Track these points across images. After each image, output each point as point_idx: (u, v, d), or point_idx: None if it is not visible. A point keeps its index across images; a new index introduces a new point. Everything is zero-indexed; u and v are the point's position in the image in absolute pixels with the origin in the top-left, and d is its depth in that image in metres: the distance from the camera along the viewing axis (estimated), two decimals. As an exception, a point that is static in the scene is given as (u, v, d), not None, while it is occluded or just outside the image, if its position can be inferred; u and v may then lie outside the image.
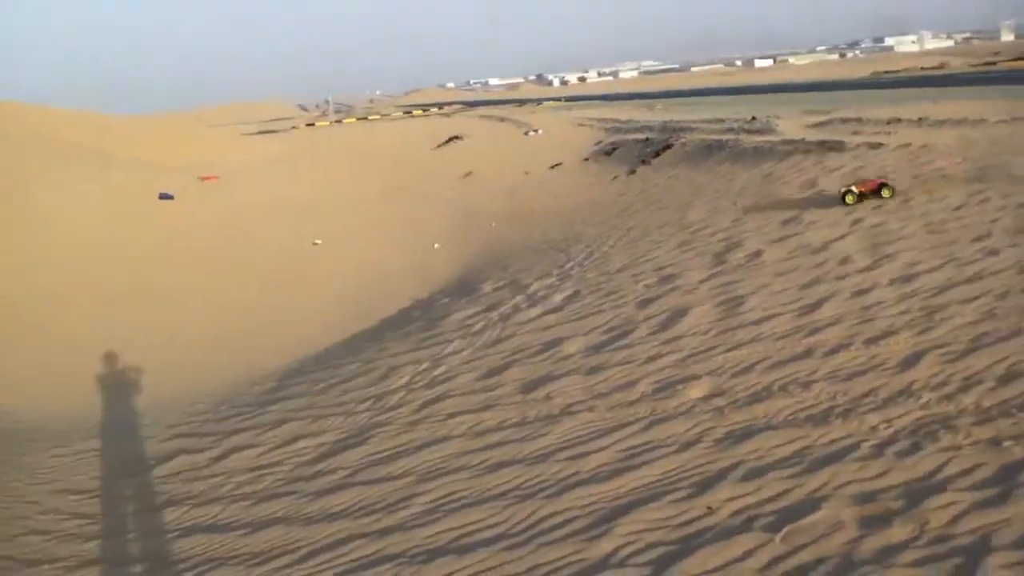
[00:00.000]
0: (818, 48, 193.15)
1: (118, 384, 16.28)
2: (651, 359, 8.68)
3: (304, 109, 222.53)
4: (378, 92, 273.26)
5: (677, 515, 5.42)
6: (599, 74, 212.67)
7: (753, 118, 34.22)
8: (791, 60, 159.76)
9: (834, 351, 7.90)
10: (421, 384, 10.04)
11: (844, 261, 11.36)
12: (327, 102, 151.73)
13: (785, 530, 4.96)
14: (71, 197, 39.86)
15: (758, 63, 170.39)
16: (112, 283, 27.69)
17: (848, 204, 15.51)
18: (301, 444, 8.91)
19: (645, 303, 11.15)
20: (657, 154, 32.81)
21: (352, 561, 5.88)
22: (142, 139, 72.79)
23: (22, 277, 27.87)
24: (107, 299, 25.98)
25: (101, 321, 23.05)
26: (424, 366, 10.86)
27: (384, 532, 6.15)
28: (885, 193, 15.59)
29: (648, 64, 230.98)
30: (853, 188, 15.89)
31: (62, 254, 31.31)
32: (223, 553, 6.55)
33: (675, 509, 5.49)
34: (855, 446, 5.87)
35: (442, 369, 10.39)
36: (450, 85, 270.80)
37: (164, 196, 39.75)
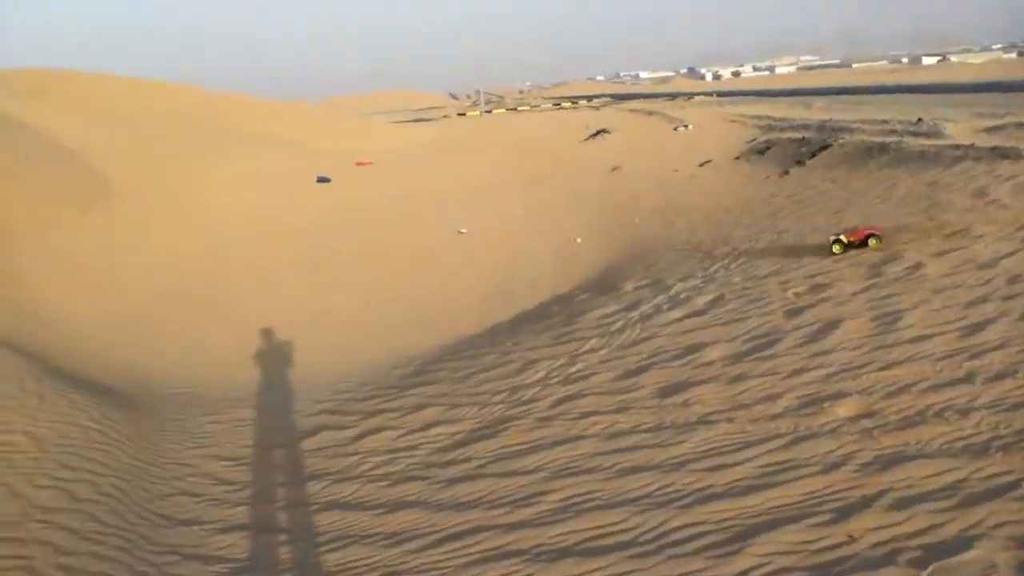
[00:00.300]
0: (994, 46, 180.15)
1: (272, 359, 17.09)
2: (797, 372, 8.35)
3: (455, 98, 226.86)
4: (528, 84, 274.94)
5: (815, 540, 5.19)
6: (754, 69, 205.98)
7: (919, 120, 32.26)
8: (957, 59, 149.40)
9: (998, 377, 7.35)
10: (557, 380, 10.05)
11: (1014, 280, 10.55)
12: (478, 92, 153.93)
13: (932, 567, 4.66)
14: (234, 178, 42.15)
15: (925, 60, 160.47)
16: (270, 263, 29.11)
17: (835, 254, 14.72)
18: (437, 431, 9.09)
19: (793, 312, 10.74)
20: (813, 155, 31.53)
21: (481, 552, 5.95)
22: (300, 124, 76.02)
23: (187, 255, 29.71)
24: (265, 278, 27.36)
25: (259, 299, 24.30)
26: (560, 362, 10.86)
27: (514, 526, 6.19)
28: (872, 243, 14.73)
29: (807, 59, 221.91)
30: (842, 237, 15.10)
31: (223, 232, 33.14)
32: (358, 531, 6.77)
33: (814, 534, 5.26)
34: (1016, 484, 5.45)
35: (578, 367, 10.35)
36: (599, 78, 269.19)
37: (321, 179, 41.51)
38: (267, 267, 28.81)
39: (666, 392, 8.58)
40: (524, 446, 7.91)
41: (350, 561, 6.22)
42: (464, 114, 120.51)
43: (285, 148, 50.88)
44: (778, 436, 6.84)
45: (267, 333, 18.98)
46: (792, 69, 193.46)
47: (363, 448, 9.05)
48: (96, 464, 8.21)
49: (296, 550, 6.57)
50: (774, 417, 7.29)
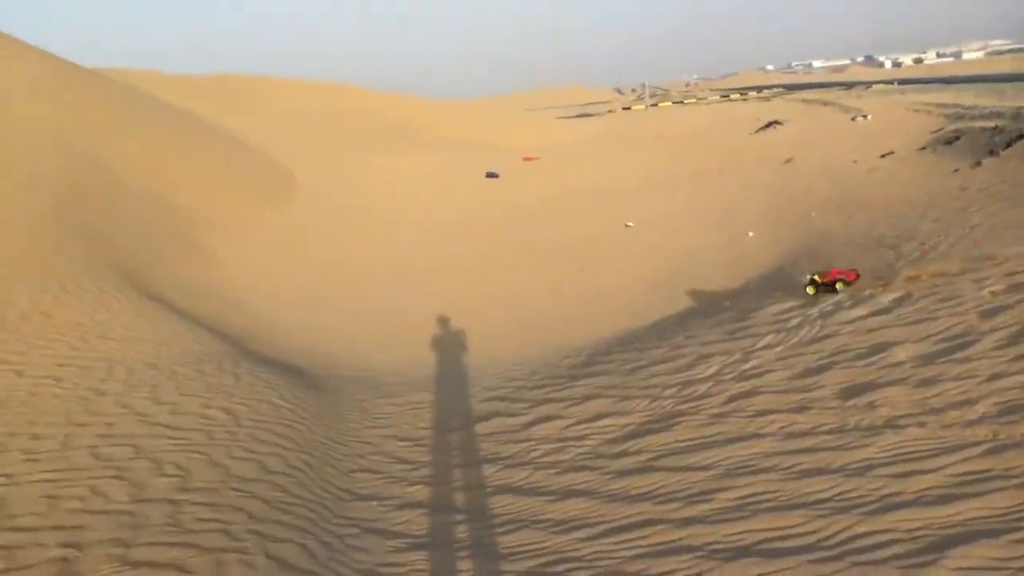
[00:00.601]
0: None
1: (445, 345, 17.64)
2: (996, 376, 7.76)
3: (620, 93, 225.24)
4: (695, 76, 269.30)
5: (1019, 557, 4.82)
6: (938, 55, 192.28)
7: None
8: None
9: None
10: (730, 376, 9.80)
11: None
12: (643, 86, 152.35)
13: None
14: (406, 173, 43.64)
15: None
16: (443, 253, 30.01)
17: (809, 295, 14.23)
18: (606, 422, 9.08)
19: (990, 313, 9.97)
20: (1008, 144, 29.22)
21: (651, 545, 5.89)
22: (469, 121, 77.70)
23: (363, 245, 31.05)
24: (439, 267, 28.23)
25: (432, 287, 25.12)
26: (734, 358, 10.58)
27: (686, 522, 6.09)
28: (839, 287, 14.25)
29: (997, 44, 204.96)
30: (816, 278, 14.88)
31: (397, 224, 34.39)
32: (529, 516, 6.87)
33: (1017, 550, 4.88)
34: None
35: (753, 363, 10.05)
36: (770, 68, 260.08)
37: (490, 175, 42.50)
38: (439, 257, 29.70)
39: (849, 393, 8.19)
40: (697, 442, 7.78)
41: (522, 544, 6.32)
42: (629, 108, 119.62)
43: (455, 144, 52.18)
44: (975, 444, 6.38)
45: (440, 320, 19.56)
46: (981, 55, 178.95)
47: (534, 435, 9.17)
48: (285, 439, 8.74)
49: (470, 530, 6.74)
50: (970, 423, 6.81)
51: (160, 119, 40.51)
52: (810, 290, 14.89)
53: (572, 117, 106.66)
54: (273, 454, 8.16)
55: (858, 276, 15.28)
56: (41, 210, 20.84)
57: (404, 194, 39.80)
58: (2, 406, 9.46)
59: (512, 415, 10.23)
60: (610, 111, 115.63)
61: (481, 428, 9.85)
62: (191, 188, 31.07)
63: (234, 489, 7.09)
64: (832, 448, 6.93)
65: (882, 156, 36.56)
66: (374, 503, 7.54)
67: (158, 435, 8.31)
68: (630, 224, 33.20)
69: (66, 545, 5.75)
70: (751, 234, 28.57)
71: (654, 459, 7.58)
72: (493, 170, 42.93)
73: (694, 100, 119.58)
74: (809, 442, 7.19)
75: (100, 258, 19.20)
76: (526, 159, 49.41)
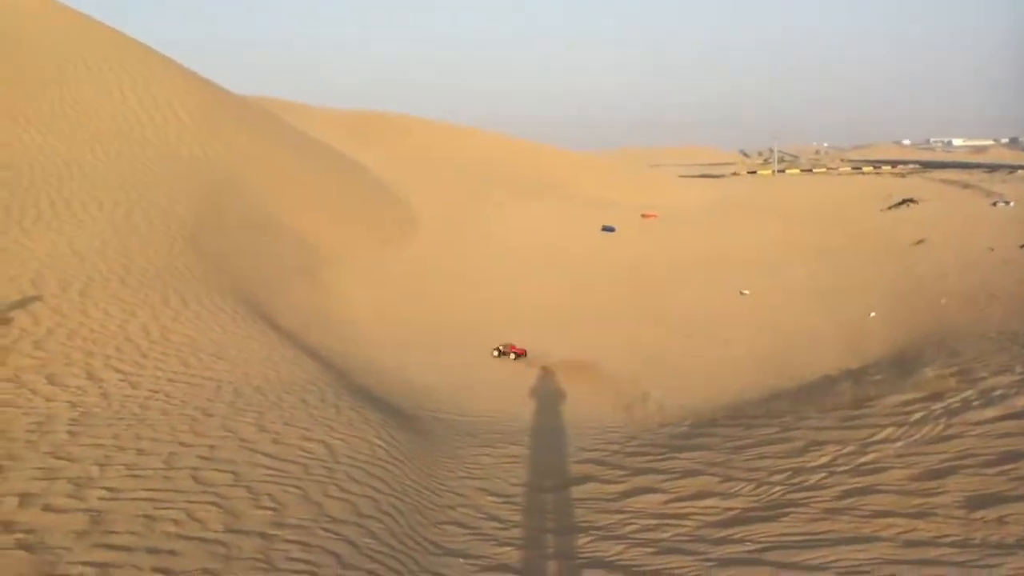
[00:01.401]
0: None
1: (543, 399, 17.41)
2: None
3: (746, 156, 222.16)
4: (825, 144, 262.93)
5: None
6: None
7: None
8: None
9: None
10: (844, 468, 9.22)
11: None
12: (770, 151, 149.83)
13: None
14: (525, 221, 43.90)
15: None
16: (551, 303, 29.89)
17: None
18: (709, 502, 8.65)
19: None
20: None
21: (752, 648, 5.50)
22: (592, 174, 77.96)
23: (478, 289, 31.24)
24: (545, 318, 28.10)
25: (537, 337, 24.99)
26: (849, 448, 9.97)
27: (792, 627, 5.66)
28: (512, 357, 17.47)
29: None
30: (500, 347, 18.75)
31: (511, 269, 34.52)
32: (620, 597, 6.54)
33: None
34: None
35: (870, 457, 9.44)
36: (906, 142, 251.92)
37: (607, 229, 42.36)
38: (547, 306, 29.59)
39: (976, 503, 7.54)
40: (807, 537, 7.29)
41: (611, 628, 6.00)
42: (755, 172, 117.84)
43: (576, 196, 52.33)
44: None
45: (547, 374, 19.39)
46: None
47: (630, 507, 8.82)
48: (379, 482, 8.67)
49: (558, 605, 6.46)
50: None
51: (298, 150, 42.15)
52: (495, 353, 19.94)
53: (695, 176, 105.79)
54: (366, 496, 8.09)
55: (524, 354, 19.89)
56: (178, 228, 21.82)
57: (522, 241, 40.05)
58: (114, 417, 9.75)
59: (608, 482, 9.90)
60: (734, 174, 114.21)
61: (575, 492, 9.55)
62: (318, 219, 32.09)
63: (325, 529, 7.02)
64: (956, 563, 6.35)
65: (1022, 246, 34.64)
66: (461, 560, 7.34)
67: (258, 464, 8.37)
68: (746, 292, 32.37)
69: (159, 571, 5.77)
70: (873, 315, 27.40)
71: (760, 551, 7.12)
72: (610, 225, 42.81)
73: (824, 169, 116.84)
74: (931, 553, 6.62)
75: (224, 279, 19.90)
76: (644, 216, 49.12)
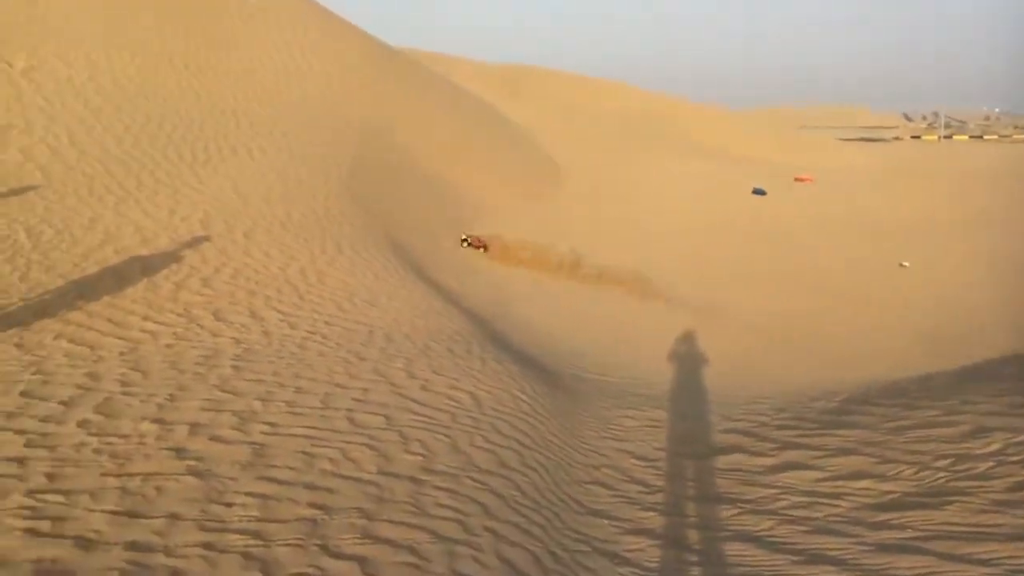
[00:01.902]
0: None
1: (686, 363, 17.09)
2: None
3: (908, 119, 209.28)
4: (996, 110, 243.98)
5: None
6: None
7: None
8: None
9: None
10: (1016, 459, 8.55)
11: None
12: (936, 115, 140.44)
13: None
14: (669, 178, 43.02)
15: None
16: (695, 263, 29.27)
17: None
18: (865, 483, 8.24)
19: None
20: None
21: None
22: (737, 133, 75.46)
23: (620, 248, 30.93)
24: (689, 279, 27.57)
25: (682, 298, 24.55)
26: (1021, 438, 9.27)
27: (958, 623, 5.33)
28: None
29: None
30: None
31: (655, 226, 33.96)
32: (771, 574, 6.33)
33: None
34: None
35: (1048, 447, 8.74)
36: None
37: (757, 191, 40.88)
38: (690, 266, 29.01)
39: None
40: (974, 529, 6.82)
41: (760, 605, 5.82)
42: (919, 137, 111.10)
43: (724, 156, 50.82)
44: None
45: (684, 336, 19.02)
46: None
47: (779, 482, 8.52)
48: (523, 435, 8.72)
49: (705, 575, 6.32)
50: None
51: (449, 103, 42.71)
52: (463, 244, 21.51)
53: (852, 140, 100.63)
54: (511, 448, 8.15)
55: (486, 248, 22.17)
56: (335, 177, 22.55)
57: (665, 198, 39.30)
58: (275, 355, 10.20)
59: (756, 454, 9.60)
60: (896, 138, 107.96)
61: (721, 461, 9.32)
62: (468, 171, 32.53)
63: (472, 479, 7.12)
64: None
65: None
66: (605, 522, 7.29)
67: (408, 409, 8.56)
68: (906, 264, 30.66)
69: (316, 506, 5.98)
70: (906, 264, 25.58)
71: (921, 539, 6.73)
72: (760, 187, 41.28)
73: (995, 136, 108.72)
74: (1121, 560, 6.07)
75: (377, 228, 20.44)
76: (798, 179, 47.08)
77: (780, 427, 11.16)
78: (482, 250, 23.12)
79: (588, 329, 20.45)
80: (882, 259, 31.94)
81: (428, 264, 20.46)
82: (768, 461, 9.27)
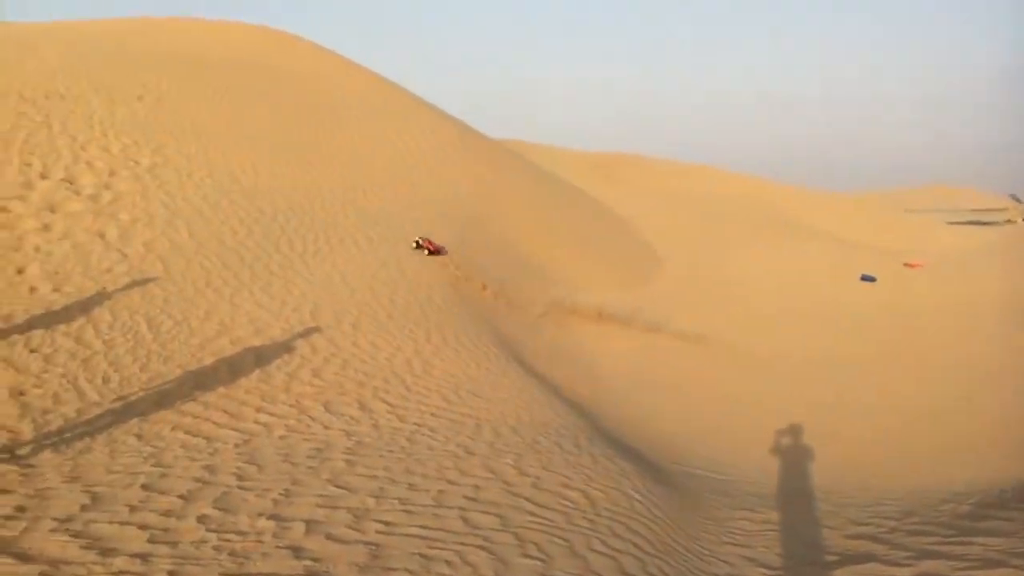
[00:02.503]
0: None
1: (792, 457, 16.37)
2: None
3: (1018, 201, 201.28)
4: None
5: None
6: None
7: None
8: None
9: None
10: None
11: None
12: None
13: None
14: (774, 263, 42.19)
15: None
16: (799, 353, 28.35)
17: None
18: (1018, 601, 7.59)
19: None
20: None
21: None
22: (837, 216, 73.91)
23: (717, 332, 30.29)
24: (791, 367, 26.68)
25: (780, 387, 23.72)
26: None
27: None
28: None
29: None
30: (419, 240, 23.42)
31: (755, 314, 33.18)
32: None
33: None
34: None
35: None
36: None
37: (866, 278, 39.63)
38: (795, 357, 28.13)
39: None
40: None
41: None
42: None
43: (828, 241, 49.71)
44: None
45: (789, 428, 18.31)
46: None
47: (921, 597, 7.90)
48: (641, 539, 8.36)
49: None
50: None
51: (543, 189, 43.29)
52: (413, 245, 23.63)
53: (960, 223, 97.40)
54: (630, 554, 7.81)
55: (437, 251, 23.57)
56: (435, 264, 22.90)
57: (767, 285, 38.49)
58: (385, 449, 10.18)
59: (891, 563, 8.96)
60: (1009, 221, 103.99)
61: (855, 572, 8.72)
62: (563, 256, 32.66)
63: (592, 588, 6.82)
64: None
65: None
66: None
67: (521, 509, 8.35)
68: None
69: (437, 615, 5.80)
70: None
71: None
72: (869, 274, 40.04)
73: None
74: None
75: (477, 315, 20.55)
76: (908, 265, 45.51)
77: (912, 533, 10.45)
78: (430, 253, 23.81)
79: (689, 421, 19.90)
80: (1004, 343, 30.33)
81: (527, 351, 20.38)
82: (905, 572, 8.64)
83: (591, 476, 10.13)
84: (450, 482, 8.95)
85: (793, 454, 16.37)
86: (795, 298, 35.05)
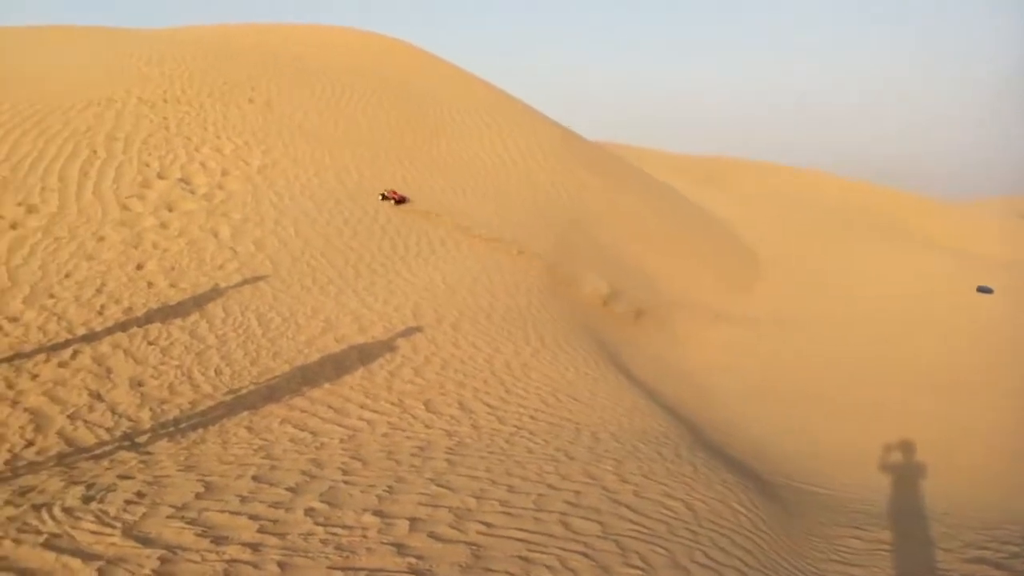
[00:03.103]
0: None
1: (902, 473, 15.74)
2: None
3: None
4: None
5: None
6: None
7: None
8: None
9: None
10: None
11: None
12: None
13: None
14: (886, 272, 40.71)
15: None
16: (910, 365, 27.24)
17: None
18: None
19: None
20: None
21: None
22: (953, 224, 70.80)
23: (820, 341, 29.40)
24: (902, 379, 25.67)
25: (888, 400, 22.84)
26: None
27: None
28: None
29: None
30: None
31: (864, 325, 32.05)
32: None
33: None
34: None
35: None
36: None
37: (983, 290, 37.76)
38: (906, 370, 27.06)
39: None
40: None
41: None
42: None
43: (944, 250, 47.67)
44: None
45: (901, 443, 17.61)
46: None
47: (1048, 629, 7.47)
48: (746, 554, 8.16)
49: None
50: None
51: (644, 192, 42.89)
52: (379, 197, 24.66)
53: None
54: (735, 568, 7.63)
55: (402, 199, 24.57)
56: (536, 267, 22.95)
57: (879, 295, 37.16)
58: (485, 450, 10.23)
59: (1014, 592, 8.51)
60: None
61: (976, 598, 8.32)
62: (665, 262, 32.26)
63: (696, 601, 6.69)
64: None
65: None
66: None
67: (621, 516, 8.25)
68: None
69: (540, 620, 5.78)
70: None
71: None
72: (986, 285, 38.15)
73: None
74: None
75: (575, 318, 20.48)
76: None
77: (1034, 560, 9.90)
78: (397, 203, 24.96)
79: (793, 434, 19.36)
80: None
81: (627, 357, 20.19)
82: (1030, 603, 8.20)
83: (692, 486, 9.95)
84: (550, 486, 8.93)
85: (905, 471, 15.74)
86: (910, 310, 33.68)
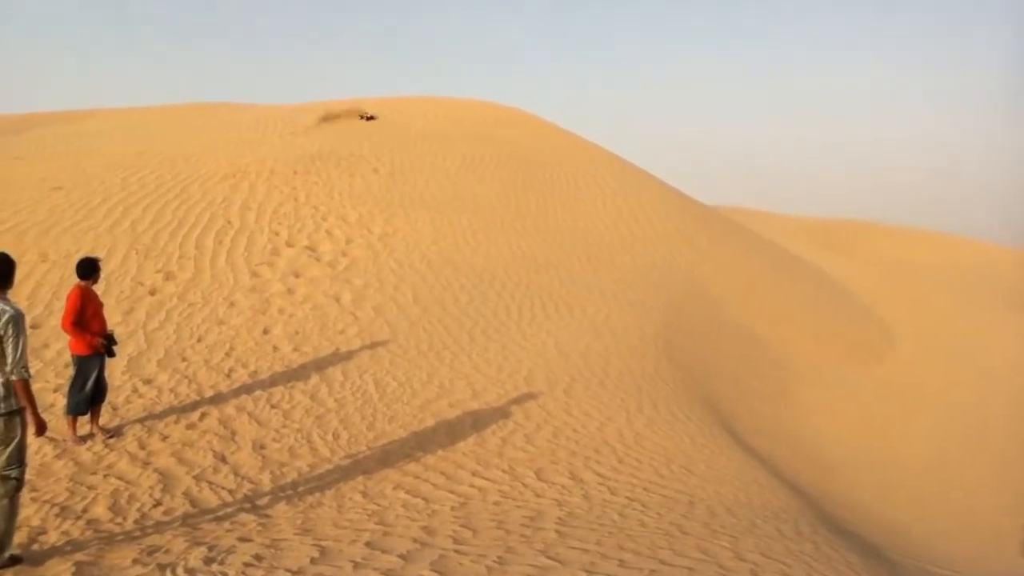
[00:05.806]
0: None
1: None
2: None
3: None
4: None
5: None
6: None
7: None
8: None
9: None
10: None
11: None
12: None
13: None
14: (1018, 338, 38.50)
15: None
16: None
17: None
18: None
19: None
20: None
21: None
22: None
23: (955, 411, 27.84)
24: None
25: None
26: None
27: None
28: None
29: None
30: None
31: (1003, 398, 30.29)
32: None
33: None
34: None
35: None
36: None
37: None
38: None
39: None
40: None
41: None
42: None
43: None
44: None
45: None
46: None
47: None
48: (870, 642, 7.70)
49: None
50: None
51: (764, 258, 42.05)
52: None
53: None
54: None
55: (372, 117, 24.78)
56: (651, 334, 22.72)
57: (1017, 364, 35.04)
58: (596, 522, 10.06)
59: None
60: None
61: None
62: (788, 331, 31.36)
63: None
64: None
65: None
66: None
67: (738, 597, 7.94)
68: None
69: None
70: None
71: None
72: None
73: None
74: None
75: (693, 387, 20.09)
76: None
77: None
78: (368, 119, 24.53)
79: (921, 512, 18.30)
80: None
81: (745, 429, 19.60)
82: None
83: (813, 566, 9.48)
84: (662, 562, 8.68)
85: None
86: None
